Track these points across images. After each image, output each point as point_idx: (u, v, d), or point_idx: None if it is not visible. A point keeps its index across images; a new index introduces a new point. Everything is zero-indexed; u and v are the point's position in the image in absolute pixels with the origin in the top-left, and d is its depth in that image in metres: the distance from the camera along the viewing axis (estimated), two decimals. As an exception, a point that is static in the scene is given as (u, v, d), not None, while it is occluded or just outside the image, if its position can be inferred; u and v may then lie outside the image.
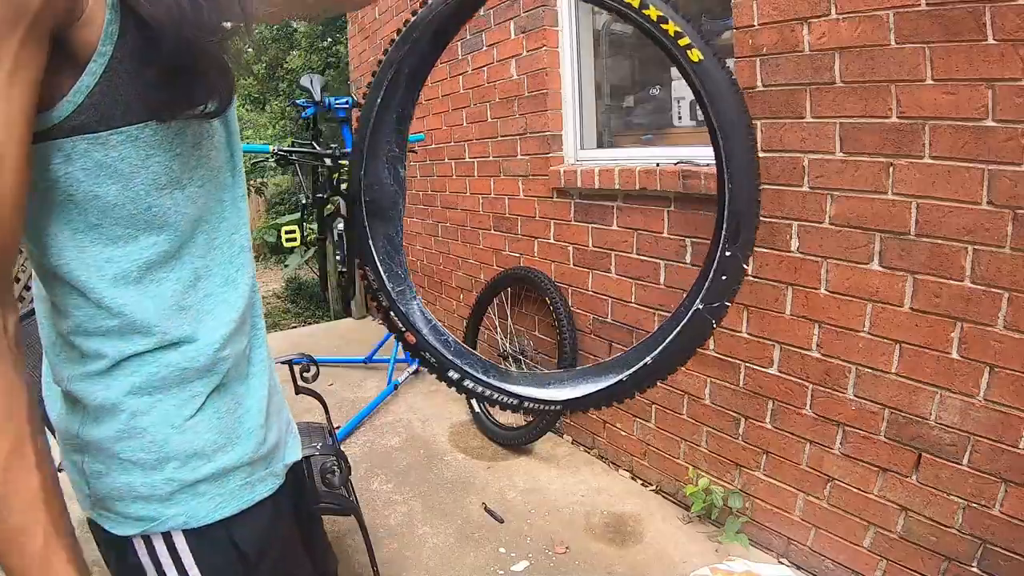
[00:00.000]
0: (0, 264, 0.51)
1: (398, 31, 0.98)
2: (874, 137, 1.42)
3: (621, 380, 0.97)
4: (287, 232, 3.69)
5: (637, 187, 2.00)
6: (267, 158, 3.19)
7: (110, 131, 0.53)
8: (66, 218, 0.55)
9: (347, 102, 3.24)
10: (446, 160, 3.20)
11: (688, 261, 1.94)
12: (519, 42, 2.52)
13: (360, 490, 2.20)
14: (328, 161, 3.21)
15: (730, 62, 1.70)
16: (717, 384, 1.91)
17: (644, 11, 0.87)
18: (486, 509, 2.12)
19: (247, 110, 7.99)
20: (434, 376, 1.07)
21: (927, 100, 1.32)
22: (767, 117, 1.62)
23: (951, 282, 1.34)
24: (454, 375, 1.04)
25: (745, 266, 0.93)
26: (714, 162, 0.96)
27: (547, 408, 1.01)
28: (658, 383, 0.99)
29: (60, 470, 1.28)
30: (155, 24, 0.51)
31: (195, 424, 0.63)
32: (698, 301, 0.94)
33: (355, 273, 4.11)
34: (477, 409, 2.68)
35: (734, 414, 1.87)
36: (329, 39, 6.35)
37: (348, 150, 3.10)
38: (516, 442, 2.47)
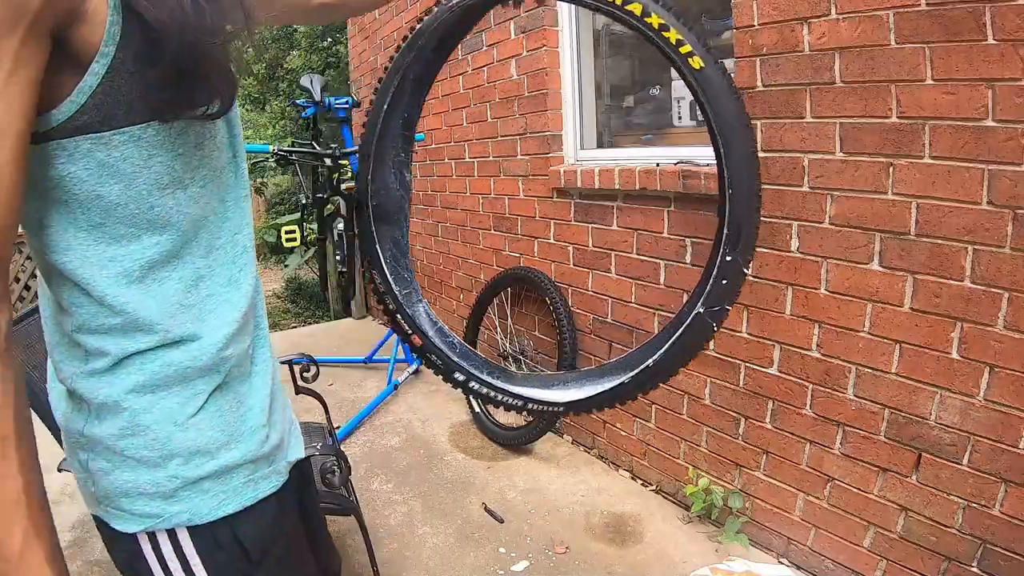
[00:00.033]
0: None
1: (404, 38, 0.99)
2: (874, 137, 1.42)
3: (623, 382, 0.98)
4: (287, 232, 3.69)
5: (637, 187, 2.00)
6: (267, 158, 3.19)
7: (112, 131, 0.54)
8: (70, 217, 0.56)
9: (347, 102, 3.24)
10: (446, 160, 3.20)
11: (688, 261, 1.94)
12: (519, 42, 2.52)
13: (360, 490, 2.20)
14: (328, 161, 3.20)
15: (730, 62, 1.70)
16: (717, 384, 1.91)
17: (646, 19, 0.88)
18: (486, 509, 2.12)
19: (247, 110, 7.99)
20: (440, 378, 1.09)
21: (927, 100, 1.32)
22: (767, 117, 1.62)
23: (951, 282, 1.34)
24: (460, 377, 1.06)
25: (745, 270, 0.94)
26: (714, 162, 0.96)
27: (551, 410, 1.03)
28: (660, 385, 1.00)
29: (61, 470, 1.28)
30: (158, 26, 0.51)
31: (198, 422, 0.63)
32: (699, 305, 0.95)
33: (355, 273, 4.11)
34: (477, 409, 2.68)
35: (734, 414, 1.87)
36: (329, 39, 6.35)
37: (348, 150, 3.10)
38: (516, 442, 2.47)
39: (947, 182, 1.32)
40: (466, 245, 3.15)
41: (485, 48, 2.76)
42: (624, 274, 2.18)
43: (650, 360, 0.97)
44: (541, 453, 2.49)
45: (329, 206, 3.90)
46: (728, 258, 0.93)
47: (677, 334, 0.96)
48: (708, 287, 0.95)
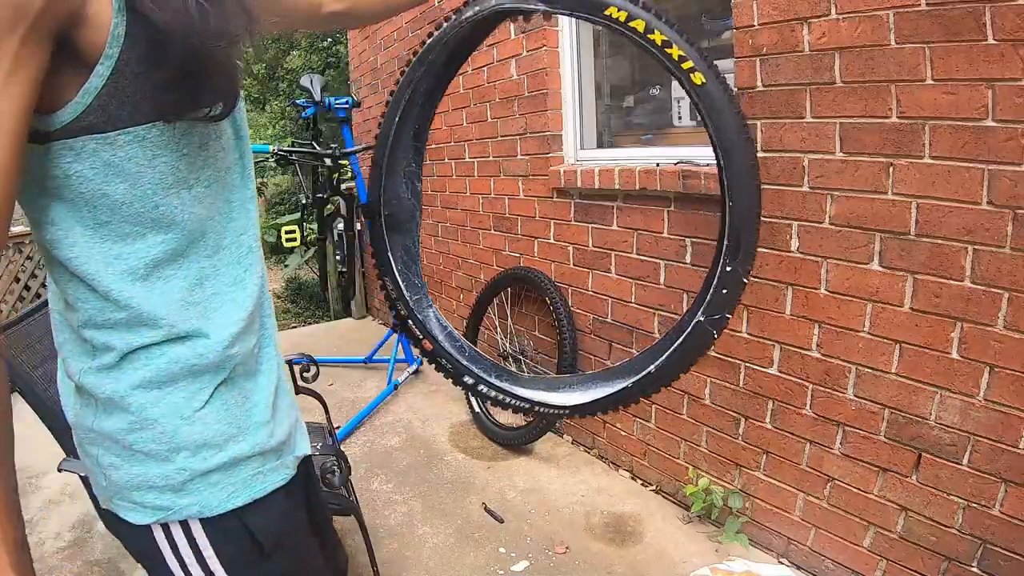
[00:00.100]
0: None
1: (414, 52, 1.02)
2: (874, 137, 1.42)
3: (627, 386, 1.01)
4: (287, 232, 3.69)
5: (637, 187, 2.00)
6: (267, 158, 3.19)
7: (117, 131, 0.55)
8: (77, 215, 0.57)
9: (347, 102, 3.24)
10: (446, 160, 3.20)
11: (688, 261, 1.94)
12: (519, 42, 2.52)
13: (360, 490, 2.20)
14: (328, 161, 3.21)
15: (730, 62, 1.70)
16: (717, 384, 1.91)
17: (649, 35, 0.90)
18: (486, 509, 2.12)
19: (247, 110, 7.98)
20: (450, 381, 1.13)
21: (927, 100, 1.32)
22: (767, 117, 1.62)
23: (951, 282, 1.34)
24: (468, 380, 1.10)
25: (745, 280, 0.97)
26: (714, 162, 0.98)
27: (556, 413, 1.07)
28: (662, 389, 1.03)
29: (61, 470, 1.28)
30: (163, 28, 0.52)
31: (204, 415, 0.64)
32: (700, 313, 0.98)
33: (355, 273, 4.12)
34: (477, 409, 2.68)
35: (734, 414, 1.87)
36: (329, 39, 6.35)
37: (348, 149, 3.11)
38: (516, 442, 2.47)
39: (947, 182, 1.32)
40: (466, 245, 3.15)
41: (485, 48, 2.76)
42: (624, 274, 2.18)
43: (652, 366, 1.00)
44: (541, 453, 2.49)
45: (329, 206, 3.90)
46: (728, 268, 0.96)
47: (678, 341, 0.99)
48: (708, 296, 0.98)
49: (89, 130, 0.54)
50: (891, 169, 1.41)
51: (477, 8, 0.96)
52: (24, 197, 0.58)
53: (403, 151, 1.09)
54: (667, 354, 1.00)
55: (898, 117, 1.37)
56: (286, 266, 5.36)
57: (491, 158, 2.83)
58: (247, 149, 0.71)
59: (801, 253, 1.61)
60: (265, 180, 7.00)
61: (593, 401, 1.03)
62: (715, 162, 0.97)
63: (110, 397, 0.61)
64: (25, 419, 1.23)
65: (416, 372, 3.29)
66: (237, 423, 0.67)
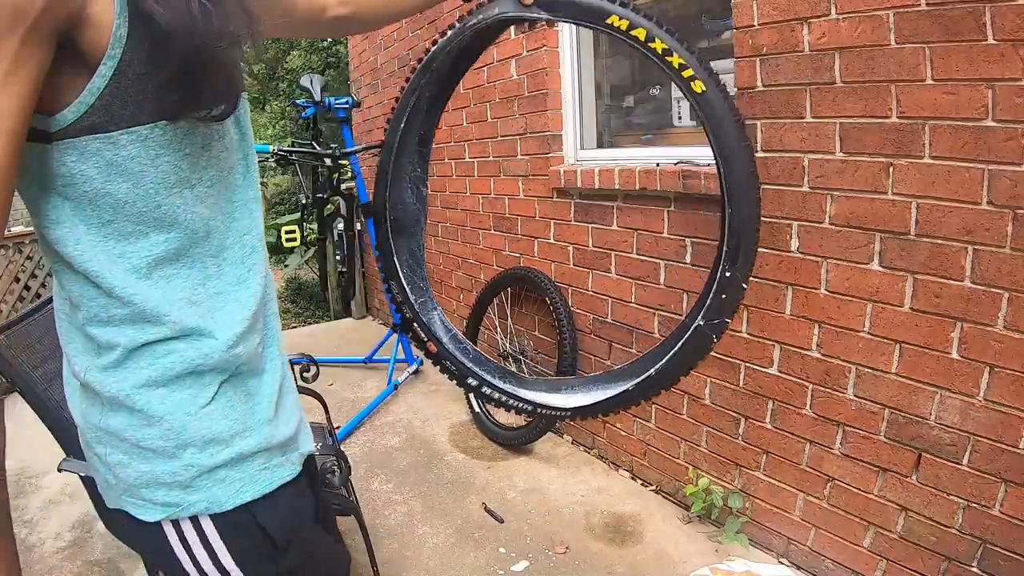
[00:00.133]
0: None
1: (419, 60, 1.05)
2: (874, 137, 1.42)
3: (628, 389, 1.04)
4: (287, 232, 3.69)
5: (637, 187, 2.00)
6: (267, 158, 3.19)
7: (120, 131, 0.55)
8: (81, 214, 0.58)
9: (347, 102, 3.24)
10: (446, 160, 3.20)
11: (688, 261, 1.94)
12: (519, 42, 2.52)
13: (360, 490, 2.20)
14: (328, 161, 3.21)
15: (730, 62, 1.70)
16: (717, 384, 1.91)
17: (650, 44, 0.92)
18: (486, 509, 2.12)
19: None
20: (453, 382, 1.15)
21: (927, 100, 1.32)
22: (767, 117, 1.62)
23: (951, 282, 1.34)
24: (472, 382, 1.12)
25: (744, 286, 0.99)
26: (714, 162, 0.99)
27: (559, 415, 1.09)
28: (662, 392, 1.05)
29: (61, 470, 1.28)
30: (166, 28, 0.53)
31: (210, 411, 0.64)
32: (699, 318, 1.00)
33: (355, 273, 4.13)
34: (477, 409, 2.68)
35: (734, 414, 1.87)
36: (329, 39, 6.35)
37: (348, 149, 3.11)
38: (516, 442, 2.47)
39: (947, 182, 1.32)
40: (466, 245, 3.15)
41: (485, 48, 2.76)
42: (624, 274, 2.18)
43: (653, 369, 1.03)
44: (541, 453, 2.49)
45: (329, 206, 3.90)
46: (728, 274, 0.98)
47: (678, 345, 1.02)
48: (708, 301, 1.00)
49: (92, 130, 0.54)
50: (891, 169, 1.41)
51: (481, 16, 0.97)
52: (29, 195, 0.59)
53: (408, 157, 1.11)
54: (667, 358, 1.02)
55: (898, 117, 1.37)
56: (286, 266, 5.36)
57: (491, 158, 2.83)
58: (251, 150, 0.71)
59: (801, 253, 1.61)
60: (265, 180, 7.00)
61: (594, 403, 1.05)
62: (716, 169, 0.99)
63: (115, 396, 0.62)
64: (25, 419, 1.23)
65: (416, 372, 3.29)
66: (243, 420, 0.67)
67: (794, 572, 1.33)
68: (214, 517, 0.65)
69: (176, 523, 0.65)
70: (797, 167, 1.58)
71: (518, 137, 2.62)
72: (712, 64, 0.97)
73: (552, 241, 2.50)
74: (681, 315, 1.99)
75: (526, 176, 2.61)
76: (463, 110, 2.98)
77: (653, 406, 2.15)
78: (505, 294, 2.76)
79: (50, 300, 1.39)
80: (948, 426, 1.39)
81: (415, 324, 1.12)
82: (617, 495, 2.18)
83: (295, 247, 4.22)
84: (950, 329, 1.36)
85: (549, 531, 1.99)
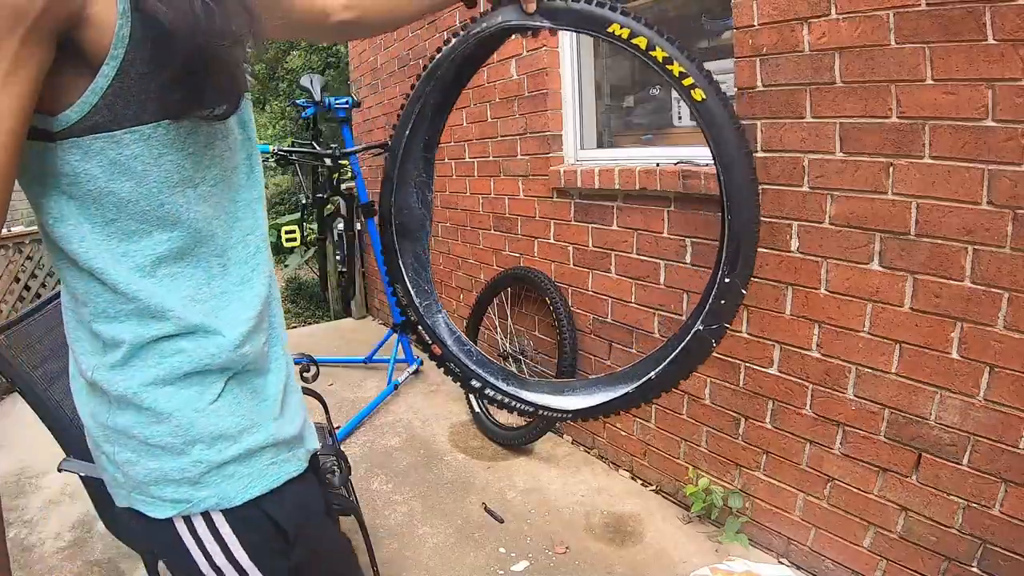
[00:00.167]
0: None
1: (424, 67, 1.08)
2: (874, 137, 1.42)
3: (628, 392, 1.06)
4: (287, 232, 3.70)
5: (637, 187, 2.00)
6: (267, 158, 3.19)
7: (123, 130, 0.56)
8: (85, 212, 0.58)
9: (347, 102, 3.24)
10: (446, 160, 3.20)
11: (688, 261, 1.94)
12: (519, 42, 2.52)
13: (360, 490, 2.20)
14: (328, 161, 3.21)
15: (730, 62, 1.70)
16: (717, 384, 1.91)
17: (651, 52, 0.93)
18: (486, 509, 2.12)
19: (247, 110, 7.96)
20: (457, 384, 1.17)
21: (927, 100, 1.32)
22: (767, 117, 1.62)
23: (951, 282, 1.34)
24: (476, 384, 1.14)
25: (743, 291, 1.01)
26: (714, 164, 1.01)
27: (560, 417, 1.11)
28: (662, 394, 1.07)
29: (61, 470, 1.28)
30: (169, 28, 0.53)
31: (218, 408, 0.65)
32: (698, 323, 1.02)
33: (355, 273, 4.13)
34: (477, 409, 2.68)
35: (734, 414, 1.87)
36: (329, 39, 6.34)
37: (348, 149, 3.11)
38: (516, 442, 2.47)
39: (947, 182, 1.32)
40: (466, 245, 3.15)
41: (485, 48, 2.76)
42: (624, 274, 2.18)
43: (653, 372, 1.05)
44: (541, 453, 2.49)
45: (329, 206, 3.90)
46: (727, 280, 0.99)
47: (678, 349, 1.03)
48: (707, 306, 1.01)
49: (95, 129, 0.55)
50: (891, 169, 1.41)
51: (484, 24, 0.99)
52: (34, 193, 0.59)
53: (414, 162, 1.14)
54: (667, 361, 1.04)
55: (898, 117, 1.37)
56: (286, 266, 5.36)
57: (491, 158, 2.83)
58: (255, 151, 0.72)
59: (801, 253, 1.61)
60: (265, 180, 6.99)
61: (596, 405, 1.07)
62: (716, 176, 1.00)
63: (123, 394, 0.62)
64: (25, 419, 1.23)
65: (416, 372, 3.29)
66: (250, 416, 0.68)
67: (794, 572, 1.33)
68: (225, 512, 0.66)
69: (188, 519, 0.66)
70: (797, 167, 1.58)
71: (518, 137, 2.62)
72: (712, 64, 0.97)
73: (552, 241, 2.50)
74: (681, 315, 1.99)
75: (526, 176, 2.61)
76: (463, 110, 2.98)
77: (653, 406, 2.15)
78: (505, 294, 2.76)
79: (50, 300, 1.39)
80: (948, 426, 1.39)
81: (420, 327, 1.14)
82: (617, 495, 2.18)
83: (295, 247, 4.23)
84: (950, 329, 1.36)
85: (549, 531, 1.99)
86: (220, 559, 0.67)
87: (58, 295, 1.42)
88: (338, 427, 2.62)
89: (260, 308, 0.69)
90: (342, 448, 2.11)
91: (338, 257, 3.91)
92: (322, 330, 4.39)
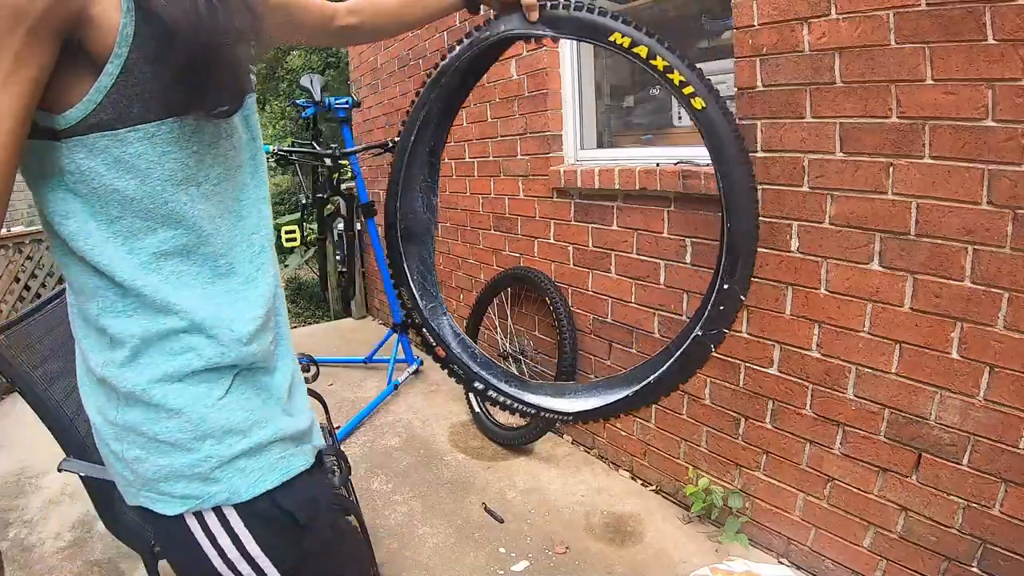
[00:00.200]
0: None
1: (428, 74, 1.09)
2: (874, 137, 1.42)
3: (628, 395, 1.08)
4: (287, 232, 3.70)
5: (637, 187, 2.01)
6: (267, 158, 3.19)
7: (127, 128, 0.56)
8: (90, 210, 0.59)
9: (347, 102, 3.24)
10: (446, 160, 3.20)
11: (688, 261, 1.94)
12: (519, 42, 2.52)
13: (360, 490, 2.20)
14: (328, 161, 3.21)
15: (730, 62, 1.70)
16: (717, 384, 1.91)
17: (652, 61, 0.95)
18: (486, 509, 2.12)
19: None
20: (462, 387, 1.20)
21: (927, 100, 1.32)
22: (767, 117, 1.62)
23: (951, 282, 1.34)
24: (479, 386, 1.16)
25: (742, 298, 1.02)
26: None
27: (562, 419, 1.13)
28: (662, 397, 1.09)
29: (61, 470, 1.28)
30: (173, 26, 0.53)
31: (227, 403, 0.65)
32: (697, 328, 1.04)
33: (355, 273, 4.12)
34: (477, 409, 2.68)
35: (734, 414, 1.87)
36: (329, 39, 6.34)
37: (348, 149, 3.11)
38: (516, 442, 2.47)
39: (947, 182, 1.32)
40: (466, 245, 3.15)
41: (485, 48, 2.76)
42: (624, 274, 2.18)
43: (652, 376, 1.06)
44: (541, 453, 2.49)
45: (329, 206, 3.90)
46: (726, 286, 1.00)
47: (677, 354, 1.05)
48: (706, 312, 1.03)
49: (100, 127, 0.55)
50: (891, 169, 1.41)
51: (488, 32, 1.00)
52: (40, 191, 0.59)
53: (419, 167, 1.15)
54: (666, 366, 1.05)
55: (898, 117, 1.37)
56: (286, 266, 5.37)
57: (491, 158, 2.83)
58: (259, 150, 0.72)
59: (801, 253, 1.61)
60: (265, 180, 6.98)
61: (596, 408, 1.09)
62: (716, 184, 1.02)
63: (131, 391, 0.62)
64: (25, 419, 1.23)
65: (416, 372, 3.29)
66: (259, 411, 0.68)
67: (794, 572, 1.33)
68: (237, 507, 0.66)
69: (199, 515, 0.66)
70: (797, 167, 1.58)
71: (518, 137, 2.62)
72: (712, 64, 0.98)
73: (552, 241, 2.50)
74: (681, 315, 1.99)
75: (526, 176, 2.61)
76: (463, 110, 2.97)
77: (653, 406, 2.15)
78: (505, 294, 2.76)
79: (50, 300, 1.39)
80: (948, 426, 1.39)
81: (425, 330, 1.15)
82: (617, 495, 2.18)
83: (295, 247, 4.22)
84: (950, 329, 1.36)
85: (549, 531, 1.99)
86: (233, 553, 0.66)
87: (58, 295, 1.42)
88: (338, 427, 2.62)
89: (267, 307, 0.69)
90: (342, 448, 2.12)
91: (338, 257, 3.91)
92: (322, 330, 4.39)
